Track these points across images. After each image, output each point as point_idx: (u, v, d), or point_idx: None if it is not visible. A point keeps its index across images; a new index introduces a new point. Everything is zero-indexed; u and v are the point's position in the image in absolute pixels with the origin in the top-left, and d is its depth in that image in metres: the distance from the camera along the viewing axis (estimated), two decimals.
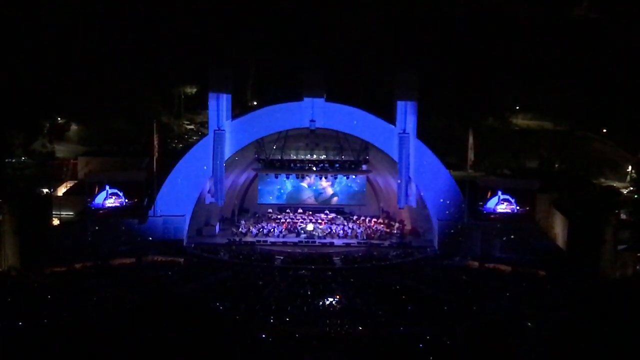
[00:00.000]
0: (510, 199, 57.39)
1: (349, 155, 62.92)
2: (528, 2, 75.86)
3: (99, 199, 56.33)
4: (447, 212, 58.43)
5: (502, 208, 57.50)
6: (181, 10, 78.79)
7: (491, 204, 57.63)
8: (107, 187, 56.39)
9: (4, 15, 71.58)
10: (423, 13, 77.02)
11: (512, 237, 57.29)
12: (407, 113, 58.10)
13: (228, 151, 58.80)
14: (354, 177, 65.32)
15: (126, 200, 56.68)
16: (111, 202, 56.36)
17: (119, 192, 56.45)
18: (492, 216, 57.61)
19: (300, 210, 65.75)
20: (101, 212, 56.31)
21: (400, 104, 58.11)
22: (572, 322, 34.48)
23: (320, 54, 67.68)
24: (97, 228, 56.24)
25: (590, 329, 31.14)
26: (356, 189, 66.42)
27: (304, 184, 65.67)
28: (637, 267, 54.90)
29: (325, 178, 64.49)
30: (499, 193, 57.55)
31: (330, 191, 64.40)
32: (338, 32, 67.13)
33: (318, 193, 66.05)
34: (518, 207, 57.33)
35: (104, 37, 76.04)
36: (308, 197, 66.28)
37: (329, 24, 70.90)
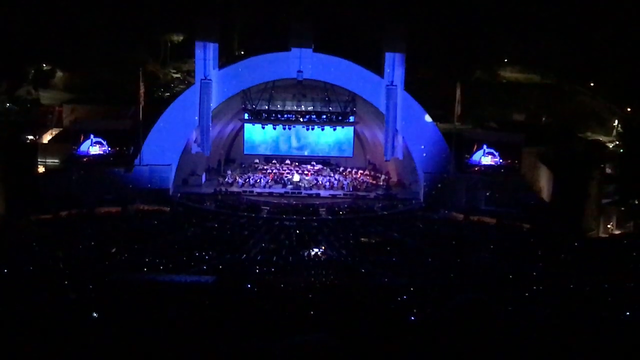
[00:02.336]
0: (495, 152, 57.56)
1: (336, 106, 62.83)
2: None
3: (84, 147, 56.15)
4: (433, 164, 58.40)
5: (487, 161, 57.71)
6: None
7: (476, 156, 57.83)
8: (92, 136, 56.13)
9: None
10: None
11: (497, 190, 57.49)
12: (394, 65, 57.87)
13: (215, 101, 58.49)
14: (341, 128, 65.33)
15: (110, 149, 56.47)
16: (95, 150, 56.15)
17: (102, 141, 56.23)
18: (476, 168, 57.80)
19: (287, 161, 65.61)
20: (85, 159, 56.18)
21: (388, 56, 57.83)
22: (551, 274, 34.59)
23: (307, 3, 67.02)
24: (82, 176, 56.09)
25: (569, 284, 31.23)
26: (343, 140, 66.55)
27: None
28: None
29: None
30: (484, 146, 57.69)
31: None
32: None
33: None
34: (502, 160, 57.56)
35: None
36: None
37: None
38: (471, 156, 58.04)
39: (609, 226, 55.63)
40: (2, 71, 68.51)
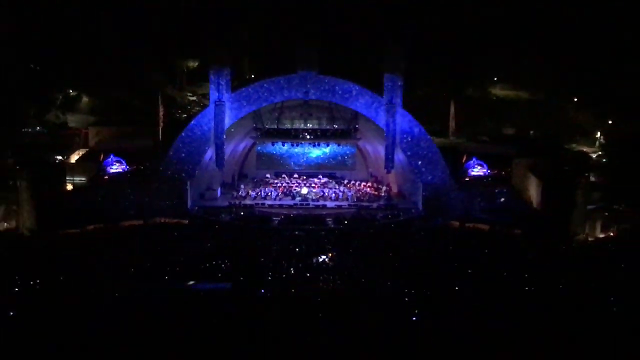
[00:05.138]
0: (484, 164, 58.10)
1: (340, 124, 63.10)
2: None
3: (107, 166, 56.45)
4: (430, 176, 58.36)
5: (476, 172, 58.04)
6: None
7: (469, 168, 58.21)
8: (112, 155, 56.53)
9: None
10: None
11: (490, 199, 57.53)
12: (393, 85, 57.91)
13: (228, 121, 58.62)
14: (344, 144, 65.47)
15: (128, 167, 56.89)
16: (116, 169, 56.46)
17: (121, 160, 56.72)
18: (467, 179, 58.10)
19: (295, 175, 65.64)
20: (106, 177, 56.43)
21: (387, 77, 57.89)
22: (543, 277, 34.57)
23: (312, 31, 67.15)
24: (107, 192, 56.22)
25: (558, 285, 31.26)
26: (347, 155, 66.65)
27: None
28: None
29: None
30: (474, 159, 58.33)
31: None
32: (330, 10, 66.65)
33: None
34: (489, 171, 58.03)
35: (112, 14, 75.47)
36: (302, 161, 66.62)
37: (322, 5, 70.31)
38: (464, 168, 58.32)
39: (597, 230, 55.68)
40: (32, 97, 68.74)
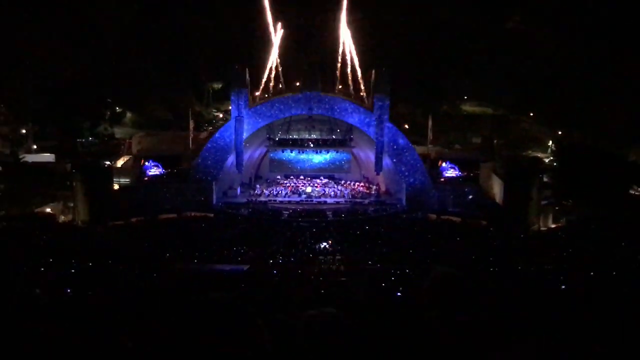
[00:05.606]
0: (455, 167, 58.17)
1: (337, 135, 63.32)
2: (473, 16, 75.47)
3: (146, 169, 56.58)
4: (412, 178, 58.33)
5: (449, 173, 58.16)
6: (211, 27, 78.53)
7: (443, 170, 58.33)
8: (151, 161, 56.68)
9: (73, 26, 70.99)
10: (395, 25, 76.64)
11: (461, 195, 57.59)
12: (382, 104, 57.96)
13: (246, 132, 58.69)
14: (341, 150, 65.71)
15: (164, 170, 57.00)
16: (154, 172, 56.58)
17: (158, 164, 56.82)
18: (442, 179, 58.14)
19: (301, 177, 65.70)
20: (146, 179, 56.58)
21: (376, 97, 58.08)
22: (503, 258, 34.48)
23: (315, 58, 67.26)
24: (147, 191, 56.35)
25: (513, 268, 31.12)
26: (343, 160, 66.90)
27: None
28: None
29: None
30: (447, 163, 58.45)
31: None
32: (329, 40, 66.68)
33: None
34: (460, 173, 58.07)
35: (151, 45, 75.73)
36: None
37: (322, 36, 70.33)
38: (439, 170, 58.39)
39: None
40: (86, 113, 68.88)
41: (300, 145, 64.64)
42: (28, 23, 68.72)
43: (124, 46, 74.29)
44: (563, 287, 18.31)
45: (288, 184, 63.97)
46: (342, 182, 65.68)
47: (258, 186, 64.31)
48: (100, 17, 73.71)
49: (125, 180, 59.96)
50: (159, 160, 57.25)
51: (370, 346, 4.57)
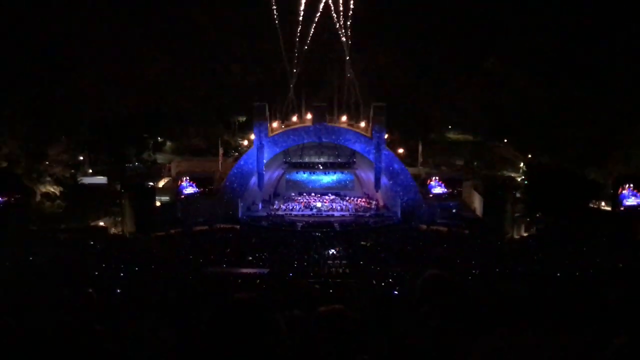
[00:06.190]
0: (441, 185, 57.94)
1: (343, 158, 63.39)
2: (455, 57, 75.87)
3: (183, 189, 56.64)
4: (406, 197, 58.26)
5: (437, 190, 57.91)
6: (238, 69, 79.43)
7: (431, 188, 58.09)
8: (187, 181, 56.80)
9: (122, 70, 71.73)
10: (391, 67, 77.09)
11: (446, 209, 57.42)
12: (379, 134, 57.99)
13: (266, 157, 58.87)
14: (346, 172, 65.74)
15: (198, 190, 56.99)
16: (189, 190, 56.64)
17: (193, 184, 56.81)
18: (430, 195, 57.84)
19: (312, 194, 65.67)
20: (183, 197, 56.57)
21: (375, 127, 58.11)
22: (484, 261, 34.29)
23: (325, 94, 67.59)
24: (183, 207, 56.39)
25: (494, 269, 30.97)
26: (348, 180, 66.90)
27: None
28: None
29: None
30: (435, 181, 58.14)
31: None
32: (336, 79, 67.10)
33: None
34: (446, 190, 57.72)
35: (188, 85, 76.54)
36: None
37: (327, 80, 70.72)
38: (428, 188, 58.20)
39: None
40: (132, 142, 69.28)
41: (311, 167, 64.73)
42: (86, 69, 69.65)
43: (165, 86, 75.02)
44: (534, 284, 18.18)
45: (301, 200, 63.94)
46: (347, 198, 65.58)
47: (276, 202, 64.31)
48: (144, 62, 74.47)
49: (165, 198, 60.07)
50: (193, 181, 57.27)
51: (372, 337, 4.55)
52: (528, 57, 74.21)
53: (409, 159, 67.10)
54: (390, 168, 58.73)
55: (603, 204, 57.59)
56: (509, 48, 75.68)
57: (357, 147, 59.62)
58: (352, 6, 64.26)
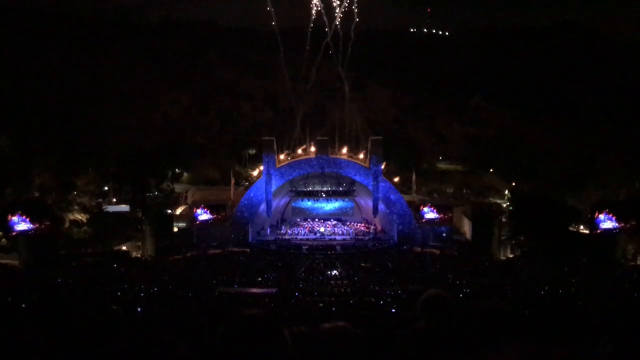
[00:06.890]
0: (434, 211, 57.46)
1: (343, 187, 63.23)
2: (445, 97, 76.54)
3: (198, 216, 56.40)
4: (401, 225, 58.14)
5: (429, 216, 57.48)
6: (248, 108, 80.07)
7: (424, 213, 57.69)
8: (202, 208, 56.56)
9: (144, 112, 72.41)
10: (387, 105, 77.74)
11: (438, 233, 57.18)
12: (377, 164, 58.07)
13: (274, 186, 58.84)
14: (346, 199, 65.53)
15: (212, 216, 56.63)
16: (203, 217, 56.38)
17: (207, 211, 56.45)
18: (424, 220, 57.44)
19: (316, 220, 65.43)
20: (198, 222, 56.27)
21: (372, 158, 58.12)
22: (473, 281, 34.02)
23: (327, 129, 68.02)
24: (199, 232, 56.17)
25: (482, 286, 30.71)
26: (348, 207, 66.70)
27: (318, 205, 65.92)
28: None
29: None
30: (428, 207, 57.67)
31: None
32: (336, 117, 67.60)
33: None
34: (438, 215, 57.23)
35: (203, 122, 77.01)
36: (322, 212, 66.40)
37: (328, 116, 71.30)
38: (420, 213, 57.87)
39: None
40: (152, 174, 69.61)
41: (315, 195, 64.50)
42: (112, 107, 70.36)
43: (182, 124, 75.64)
44: (519, 300, 18.00)
45: (306, 225, 63.64)
46: (348, 223, 65.29)
47: (283, 227, 64.05)
48: (165, 101, 75.14)
49: (182, 224, 59.91)
50: (207, 208, 57.07)
51: (373, 352, 4.49)
52: (510, 95, 74.89)
53: (404, 187, 67.16)
54: (387, 197, 58.65)
55: (582, 227, 57.29)
56: (493, 87, 76.43)
57: (356, 177, 59.71)
58: (349, 50, 65.13)
